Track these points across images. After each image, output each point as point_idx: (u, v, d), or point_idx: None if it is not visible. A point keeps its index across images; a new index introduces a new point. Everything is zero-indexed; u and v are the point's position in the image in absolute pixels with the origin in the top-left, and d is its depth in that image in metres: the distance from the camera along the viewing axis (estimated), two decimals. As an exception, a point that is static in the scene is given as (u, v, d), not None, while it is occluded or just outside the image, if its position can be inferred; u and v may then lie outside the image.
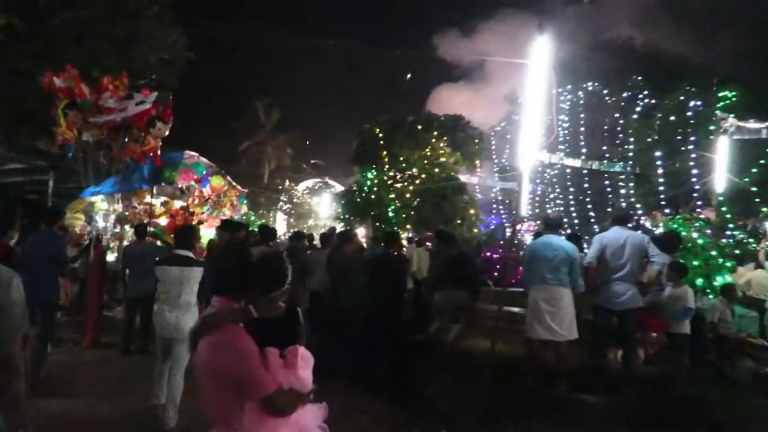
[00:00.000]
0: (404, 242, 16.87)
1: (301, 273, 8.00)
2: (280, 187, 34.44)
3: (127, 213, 10.80)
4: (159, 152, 7.81)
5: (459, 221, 15.61)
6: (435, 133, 17.21)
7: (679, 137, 15.74)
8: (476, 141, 16.69)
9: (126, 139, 7.42)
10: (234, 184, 15.51)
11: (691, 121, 15.71)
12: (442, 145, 17.36)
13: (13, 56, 8.85)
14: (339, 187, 30.28)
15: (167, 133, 7.59)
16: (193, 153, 11.49)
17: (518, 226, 20.31)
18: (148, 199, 10.97)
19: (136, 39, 14.45)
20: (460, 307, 6.40)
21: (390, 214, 17.84)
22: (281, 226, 31.45)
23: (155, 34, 15.19)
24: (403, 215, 17.23)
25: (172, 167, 10.46)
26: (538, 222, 21.62)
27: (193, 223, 10.84)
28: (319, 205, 33.49)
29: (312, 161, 40.51)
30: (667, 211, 14.54)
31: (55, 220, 5.70)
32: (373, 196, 17.97)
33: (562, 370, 5.06)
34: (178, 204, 10.93)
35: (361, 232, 16.60)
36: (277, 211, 33.56)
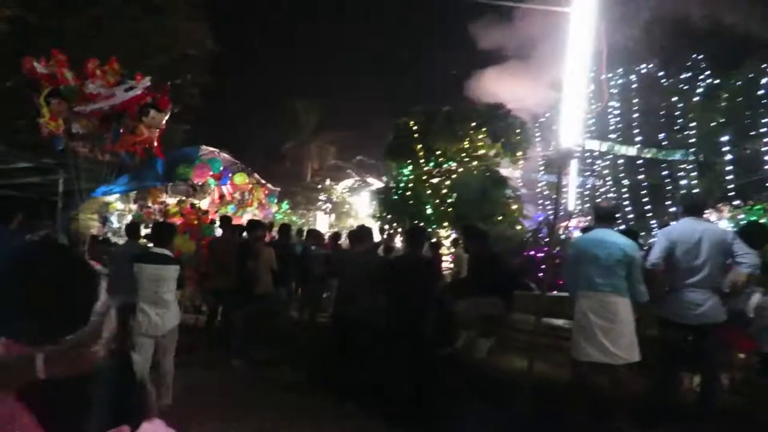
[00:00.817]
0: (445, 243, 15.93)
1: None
2: (319, 186, 33.99)
3: (141, 213, 10.27)
4: (156, 144, 7.07)
5: (500, 218, 14.40)
6: (473, 123, 16.04)
7: (748, 120, 14.09)
8: (518, 131, 15.37)
9: (121, 130, 6.78)
10: (263, 182, 14.88)
11: (763, 101, 14.01)
12: (480, 136, 16.22)
13: (25, 50, 8.33)
14: (379, 185, 29.55)
15: (164, 122, 6.87)
16: (212, 148, 10.83)
17: (564, 223, 18.97)
18: (164, 198, 10.42)
19: (158, 34, 14.02)
20: (490, 318, 5.35)
21: (428, 211, 16.84)
22: (322, 225, 31.02)
23: (179, 28, 14.74)
24: (440, 212, 16.19)
25: (186, 163, 9.82)
26: (588, 218, 20.15)
27: (208, 222, 10.22)
28: (359, 204, 32.78)
29: (357, 158, 39.92)
30: (736, 203, 12.96)
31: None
32: (409, 193, 17.02)
33: (619, 402, 3.96)
34: (196, 203, 10.31)
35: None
36: (316, 210, 33.12)
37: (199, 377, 5.93)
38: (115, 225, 10.36)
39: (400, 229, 16.42)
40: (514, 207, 15.06)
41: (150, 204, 10.20)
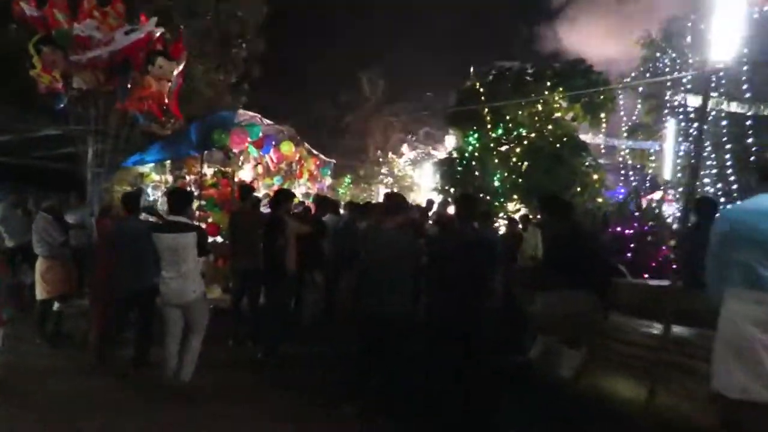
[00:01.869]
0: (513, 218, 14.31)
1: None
2: (381, 160, 32.84)
3: (176, 184, 9.44)
4: (173, 101, 6.04)
5: (578, 189, 12.58)
6: (548, 83, 14.15)
7: None
8: (602, 89, 13.34)
9: (129, 85, 5.82)
10: (314, 152, 13.84)
11: None
12: (556, 97, 14.31)
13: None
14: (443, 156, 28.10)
15: (176, 73, 5.83)
16: (251, 113, 9.79)
17: (651, 196, 16.70)
18: (201, 168, 9.54)
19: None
20: (580, 319, 3.91)
21: (495, 183, 15.22)
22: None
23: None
24: (508, 184, 14.54)
25: (222, 129, 8.83)
26: (680, 190, 17.68)
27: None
28: (422, 177, 31.37)
29: (423, 129, 38.50)
30: None
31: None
32: (474, 163, 15.45)
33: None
34: (228, 172, 9.35)
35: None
36: (377, 184, 32.06)
37: (219, 373, 5.05)
38: (151, 198, 9.61)
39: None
40: (595, 177, 13.13)
41: (185, 174, 9.33)
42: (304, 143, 12.63)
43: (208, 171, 9.33)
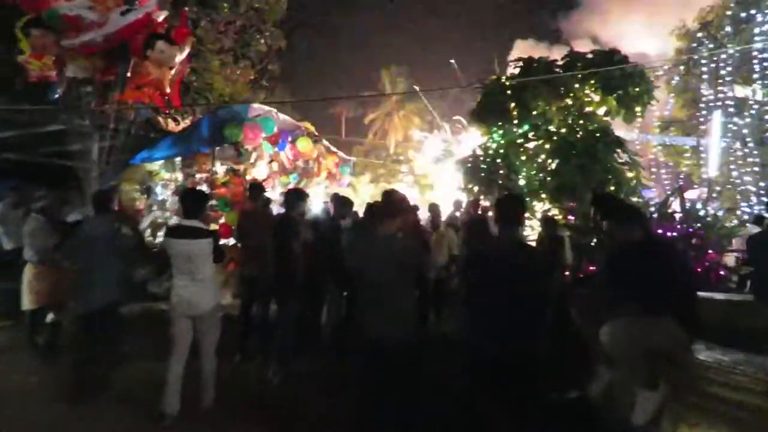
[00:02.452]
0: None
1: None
2: (401, 158, 32.18)
3: (186, 183, 8.91)
4: (174, 89, 5.47)
5: (612, 187, 11.75)
6: (579, 76, 13.31)
7: None
8: (638, 81, 12.46)
9: (128, 74, 5.27)
10: (333, 149, 13.25)
11: None
12: (587, 91, 13.46)
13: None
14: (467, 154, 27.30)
15: (180, 59, 5.26)
16: (266, 107, 9.22)
17: (685, 194, 15.73)
18: (213, 165, 9.01)
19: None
20: (658, 353, 3.19)
21: (521, 182, 14.43)
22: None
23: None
24: (536, 182, 13.73)
25: (234, 124, 8.29)
26: (717, 189, 16.67)
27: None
28: (444, 175, 30.62)
29: (445, 126, 37.66)
30: None
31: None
32: (500, 161, 14.66)
33: None
34: (239, 170, 8.77)
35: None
36: (397, 183, 31.39)
37: (219, 392, 4.51)
38: (160, 197, 9.10)
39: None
40: (630, 174, 12.26)
41: (196, 172, 8.81)
42: (322, 140, 12.06)
43: (220, 169, 8.79)
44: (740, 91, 12.78)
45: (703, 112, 17.91)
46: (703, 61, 17.68)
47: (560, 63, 13.67)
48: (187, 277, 4.21)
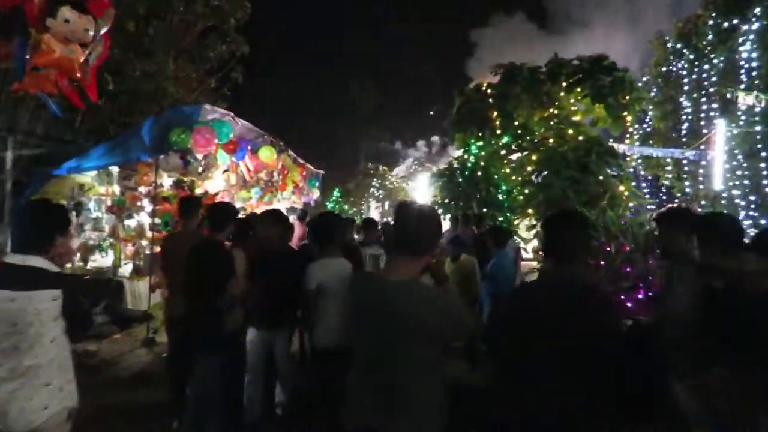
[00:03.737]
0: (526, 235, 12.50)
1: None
2: (372, 172, 31.12)
3: (123, 198, 7.51)
4: (83, 76, 4.16)
5: (605, 202, 10.84)
6: (564, 84, 12.52)
7: None
8: (627, 88, 11.66)
9: (27, 56, 3.99)
10: (301, 161, 12.01)
11: None
12: (572, 100, 12.67)
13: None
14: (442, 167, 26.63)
15: (97, 37, 4.00)
16: (222, 110, 7.90)
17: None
18: (161, 176, 7.63)
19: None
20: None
21: (500, 196, 13.49)
22: (374, 214, 28.35)
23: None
24: (520, 196, 12.81)
25: (181, 127, 6.96)
26: (703, 203, 16.01)
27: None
28: (416, 189, 29.63)
29: (418, 142, 36.84)
30: None
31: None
32: (480, 173, 13.71)
33: None
34: (185, 181, 7.42)
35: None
36: (368, 198, 30.28)
37: None
38: (94, 214, 7.67)
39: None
40: (621, 188, 11.37)
41: (136, 185, 7.43)
42: (288, 150, 10.80)
43: (167, 181, 7.44)
44: (742, 99, 12.09)
45: (685, 125, 17.44)
46: (684, 72, 17.23)
47: (544, 70, 12.89)
48: (5, 363, 2.30)
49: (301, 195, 12.12)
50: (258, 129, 9.07)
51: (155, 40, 12.08)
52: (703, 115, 16.22)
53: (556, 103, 12.80)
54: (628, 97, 11.73)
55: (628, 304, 7.41)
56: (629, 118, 11.83)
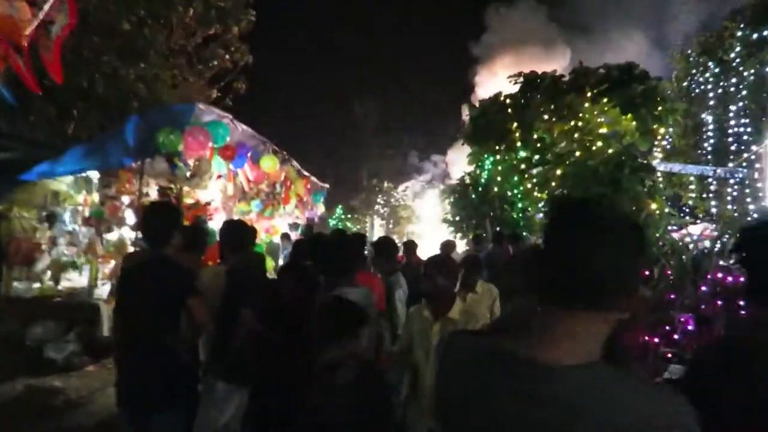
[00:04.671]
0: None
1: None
2: (377, 188, 30.16)
3: (102, 208, 6.55)
4: (46, 54, 3.28)
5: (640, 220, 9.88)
6: (588, 94, 11.63)
7: None
8: (662, 98, 10.79)
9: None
10: (305, 173, 11.10)
11: None
12: (596, 111, 11.79)
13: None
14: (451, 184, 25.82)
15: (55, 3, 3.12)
16: (219, 111, 6.98)
17: (689, 229, 13.95)
18: (146, 184, 6.69)
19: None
20: None
21: (514, 215, 12.57)
22: (378, 232, 27.43)
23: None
24: (538, 214, 11.89)
25: (171, 127, 6.03)
26: (722, 223, 15.08)
27: (202, 216, 6.47)
28: (422, 208, 28.68)
29: (426, 159, 36.04)
30: None
31: None
32: (496, 189, 12.80)
33: None
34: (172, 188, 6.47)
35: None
36: (372, 215, 29.28)
37: None
38: (69, 226, 6.71)
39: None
40: (654, 206, 10.42)
41: (117, 193, 6.48)
42: (292, 161, 9.89)
43: (153, 189, 6.50)
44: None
45: (710, 141, 16.56)
46: (710, 86, 16.40)
47: (566, 79, 12.05)
48: None
49: (305, 210, 11.19)
50: (260, 136, 8.16)
51: (151, 41, 11.29)
52: (731, 131, 15.36)
53: (580, 115, 11.91)
54: (660, 108, 10.83)
55: (675, 336, 6.49)
56: (661, 131, 10.90)
